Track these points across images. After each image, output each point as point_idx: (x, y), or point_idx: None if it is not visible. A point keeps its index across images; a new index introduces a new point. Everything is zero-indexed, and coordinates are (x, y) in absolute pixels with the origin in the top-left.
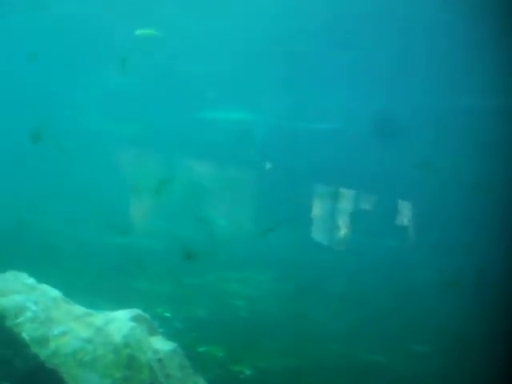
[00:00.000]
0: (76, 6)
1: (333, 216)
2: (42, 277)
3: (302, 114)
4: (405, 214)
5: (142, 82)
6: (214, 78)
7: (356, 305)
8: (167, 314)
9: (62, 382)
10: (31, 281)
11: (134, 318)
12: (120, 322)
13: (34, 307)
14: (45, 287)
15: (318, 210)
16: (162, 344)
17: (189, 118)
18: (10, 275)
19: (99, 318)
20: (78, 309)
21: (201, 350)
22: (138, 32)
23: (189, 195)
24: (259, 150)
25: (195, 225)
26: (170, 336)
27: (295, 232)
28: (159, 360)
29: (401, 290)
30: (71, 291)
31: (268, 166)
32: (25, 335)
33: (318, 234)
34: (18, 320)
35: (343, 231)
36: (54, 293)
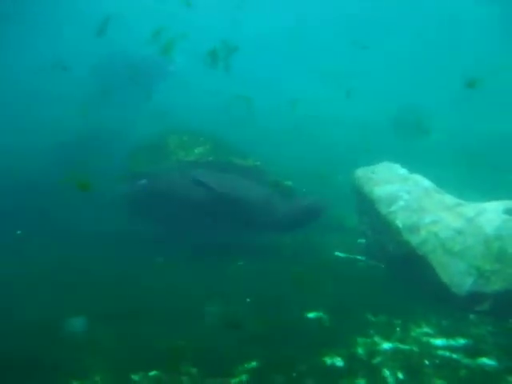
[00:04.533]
0: None
1: None
2: (413, 168)
3: None
4: None
5: None
6: None
7: None
8: None
9: (430, 267)
10: (404, 171)
11: (508, 211)
12: (492, 213)
13: (406, 196)
14: (417, 177)
15: None
16: None
17: None
18: (384, 166)
19: (470, 208)
20: (450, 199)
21: None
22: None
23: None
24: None
25: None
26: None
27: None
28: None
29: None
30: (442, 182)
31: None
32: (398, 223)
33: None
34: (392, 208)
35: None
36: (426, 183)
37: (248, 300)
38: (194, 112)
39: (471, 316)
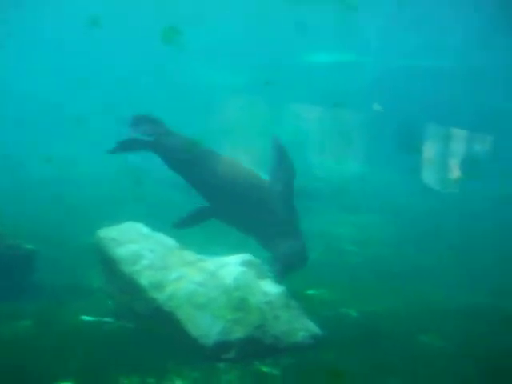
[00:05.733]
0: None
1: (445, 158)
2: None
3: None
4: None
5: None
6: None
7: (466, 250)
8: None
9: (178, 322)
10: (146, 230)
11: (245, 263)
12: (231, 266)
13: (150, 255)
14: (159, 236)
15: (429, 152)
16: (270, 287)
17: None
18: (126, 226)
19: (211, 263)
20: (192, 255)
21: (309, 292)
22: None
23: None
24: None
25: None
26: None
27: (408, 176)
28: (268, 302)
29: None
30: (184, 238)
31: (377, 107)
32: (143, 281)
33: (431, 178)
34: (136, 268)
35: (456, 174)
36: (169, 241)
37: None
38: None
39: (221, 365)
